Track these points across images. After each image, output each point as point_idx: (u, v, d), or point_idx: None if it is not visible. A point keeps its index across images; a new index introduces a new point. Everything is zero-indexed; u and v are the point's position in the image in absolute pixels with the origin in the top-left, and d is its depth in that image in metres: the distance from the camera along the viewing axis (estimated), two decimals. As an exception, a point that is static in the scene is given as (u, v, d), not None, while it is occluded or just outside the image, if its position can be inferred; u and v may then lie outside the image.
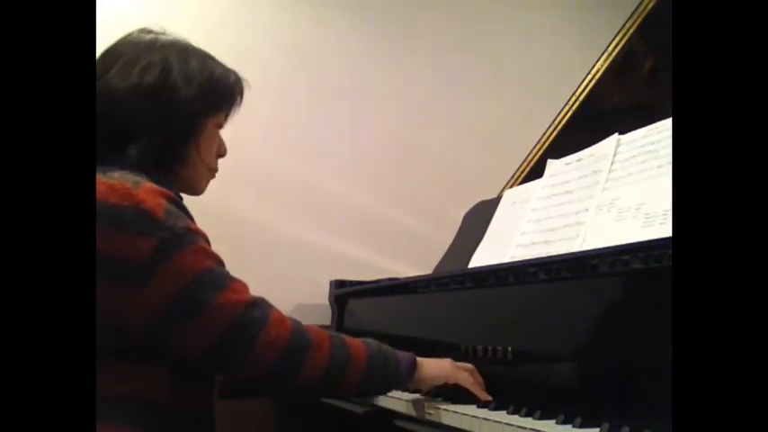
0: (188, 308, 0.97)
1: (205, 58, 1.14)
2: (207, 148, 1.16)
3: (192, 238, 1.00)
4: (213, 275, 1.00)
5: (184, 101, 1.08)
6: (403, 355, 1.14)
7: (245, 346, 0.99)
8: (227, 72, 1.17)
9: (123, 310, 0.95)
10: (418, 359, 1.15)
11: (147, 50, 1.09)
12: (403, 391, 1.24)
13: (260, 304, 1.03)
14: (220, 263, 1.04)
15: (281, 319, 1.04)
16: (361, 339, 1.12)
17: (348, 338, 1.10)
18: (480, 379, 1.18)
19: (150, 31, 1.12)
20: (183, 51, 1.12)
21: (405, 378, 1.14)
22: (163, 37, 1.12)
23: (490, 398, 1.15)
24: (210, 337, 0.98)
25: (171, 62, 1.09)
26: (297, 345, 1.02)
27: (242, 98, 1.20)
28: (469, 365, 1.19)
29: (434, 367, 1.16)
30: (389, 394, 1.24)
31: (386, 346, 1.14)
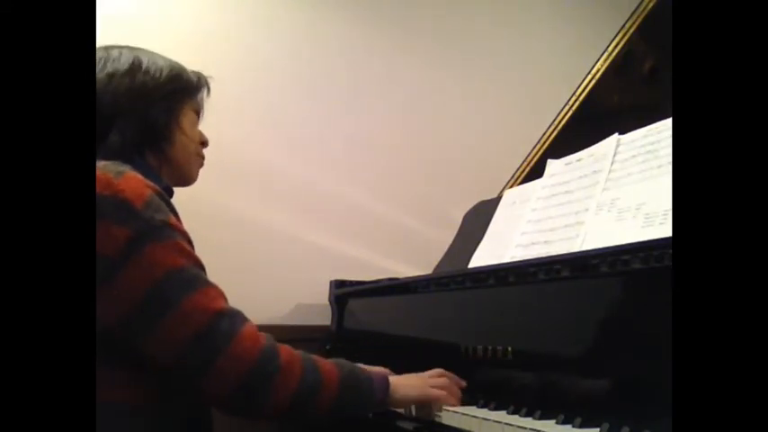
0: (154, 307, 0.93)
1: (165, 59, 1.17)
2: (189, 128, 1.19)
3: (167, 233, 0.97)
4: (185, 275, 0.96)
5: (158, 83, 1.12)
6: (377, 378, 1.10)
7: (207, 358, 0.94)
8: (190, 71, 1.21)
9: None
10: (392, 381, 1.11)
11: (109, 59, 1.11)
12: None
13: (230, 316, 0.97)
14: (197, 264, 1.00)
15: (253, 336, 0.98)
16: (334, 361, 1.08)
17: (321, 361, 1.05)
18: (455, 386, 1.17)
19: (108, 47, 1.14)
20: (144, 57, 1.14)
21: (378, 402, 1.10)
22: (122, 48, 1.14)
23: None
24: (175, 343, 0.94)
25: (134, 66, 1.11)
26: (264, 367, 0.97)
27: (209, 90, 1.24)
28: (443, 378, 1.17)
29: (408, 386, 1.13)
30: None
31: (360, 369, 1.10)
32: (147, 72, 1.11)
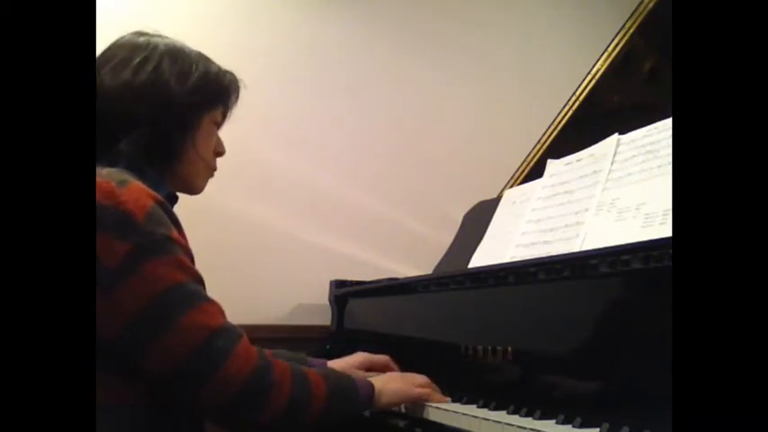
0: (154, 323, 0.93)
1: (199, 58, 1.14)
2: (203, 145, 1.15)
3: (168, 248, 0.96)
4: (184, 291, 0.96)
5: (177, 96, 1.08)
6: (361, 384, 1.12)
7: (203, 375, 0.95)
8: (223, 71, 1.17)
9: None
10: (377, 387, 1.14)
11: (140, 50, 1.08)
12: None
13: (227, 333, 0.97)
14: (197, 279, 0.99)
15: (247, 353, 0.99)
16: (322, 372, 1.09)
17: (310, 374, 1.06)
18: (434, 388, 1.20)
19: (143, 33, 1.12)
20: (177, 51, 1.11)
21: (363, 408, 1.13)
22: (156, 38, 1.12)
23: (448, 399, 1.19)
24: (172, 359, 0.94)
25: (164, 61, 1.08)
26: (256, 384, 0.98)
27: (237, 96, 1.19)
28: (422, 380, 1.21)
29: (391, 392, 1.16)
30: None
31: (345, 377, 1.12)
32: (166, 85, 1.07)
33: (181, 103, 1.09)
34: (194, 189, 1.19)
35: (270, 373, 1.00)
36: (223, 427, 1.03)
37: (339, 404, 1.07)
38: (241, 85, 1.20)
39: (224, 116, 1.19)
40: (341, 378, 1.11)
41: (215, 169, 1.21)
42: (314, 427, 1.05)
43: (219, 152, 1.21)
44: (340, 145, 2.33)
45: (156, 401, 0.99)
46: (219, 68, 1.16)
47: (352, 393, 1.10)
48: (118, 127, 1.04)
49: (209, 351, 0.95)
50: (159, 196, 1.00)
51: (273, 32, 2.28)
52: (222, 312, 1.00)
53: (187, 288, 0.96)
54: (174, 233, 0.99)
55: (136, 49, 1.08)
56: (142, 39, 1.11)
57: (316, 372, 1.08)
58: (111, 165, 1.02)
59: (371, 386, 1.13)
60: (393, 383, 1.18)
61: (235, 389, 0.96)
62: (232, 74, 1.18)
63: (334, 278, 1.94)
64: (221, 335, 0.97)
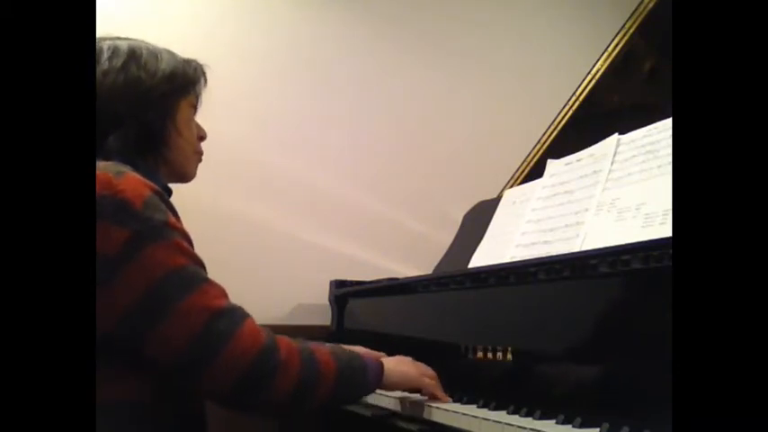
0: (154, 307, 0.93)
1: (162, 51, 1.16)
2: (186, 129, 1.18)
3: (167, 233, 0.97)
4: (184, 274, 0.96)
5: (150, 88, 1.10)
6: (371, 365, 1.12)
7: (204, 359, 0.94)
8: (187, 60, 1.19)
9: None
10: (386, 367, 1.14)
11: (103, 53, 1.10)
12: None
13: (229, 314, 0.97)
14: (197, 262, 1.00)
15: (252, 333, 0.98)
16: (331, 350, 1.09)
17: (319, 353, 1.05)
18: (438, 383, 1.21)
19: (104, 38, 1.13)
20: (141, 48, 1.13)
21: (371, 388, 1.13)
22: (116, 40, 1.13)
23: (449, 398, 1.19)
24: (174, 344, 0.94)
25: (130, 59, 1.10)
26: (262, 366, 0.97)
27: (206, 80, 1.22)
28: (431, 372, 1.21)
29: (400, 374, 1.16)
30: (389, 393, 1.25)
31: (355, 357, 1.11)
32: (138, 80, 1.10)
33: (155, 93, 1.11)
34: (186, 175, 1.21)
35: (276, 356, 0.99)
36: (229, 410, 1.02)
37: (347, 386, 1.07)
38: (207, 69, 1.22)
39: (197, 99, 1.22)
40: (351, 358, 1.10)
41: (201, 153, 1.23)
42: (323, 407, 1.05)
43: (201, 136, 1.23)
44: (340, 145, 2.32)
45: (158, 398, 0.99)
46: (184, 59, 1.19)
47: (360, 375, 1.09)
48: (103, 125, 1.05)
49: (210, 334, 0.95)
50: (155, 186, 1.01)
51: (273, 32, 2.28)
52: (224, 294, 1.00)
53: (186, 271, 0.97)
54: (172, 219, 1.00)
55: (100, 52, 1.10)
56: (105, 43, 1.12)
57: (324, 350, 1.07)
58: (105, 158, 1.03)
59: (381, 366, 1.13)
60: (404, 366, 1.18)
61: (238, 372, 0.96)
62: (196, 61, 1.21)
63: (334, 278, 1.94)
64: (222, 317, 0.96)
